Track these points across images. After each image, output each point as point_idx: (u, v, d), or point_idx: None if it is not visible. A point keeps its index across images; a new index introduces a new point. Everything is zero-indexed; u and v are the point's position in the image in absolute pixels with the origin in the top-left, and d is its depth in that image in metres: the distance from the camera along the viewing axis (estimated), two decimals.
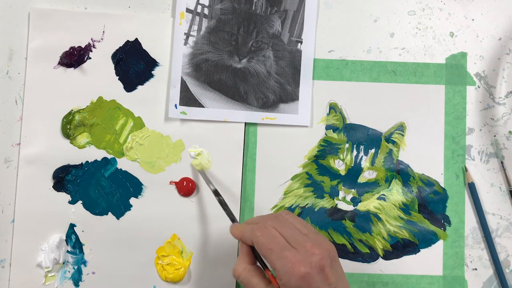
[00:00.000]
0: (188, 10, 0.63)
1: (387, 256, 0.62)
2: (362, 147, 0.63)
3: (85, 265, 0.62)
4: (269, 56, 0.63)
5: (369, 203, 0.63)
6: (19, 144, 0.62)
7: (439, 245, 0.62)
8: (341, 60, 0.64)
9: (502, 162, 0.63)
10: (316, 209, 0.62)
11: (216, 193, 0.58)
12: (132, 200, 0.62)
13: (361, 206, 0.62)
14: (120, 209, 0.62)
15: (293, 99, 0.63)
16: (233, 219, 0.54)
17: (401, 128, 0.63)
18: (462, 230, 0.62)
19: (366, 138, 0.63)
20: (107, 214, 0.62)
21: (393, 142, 0.63)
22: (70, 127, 0.63)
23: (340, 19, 0.65)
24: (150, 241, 0.62)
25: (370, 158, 0.63)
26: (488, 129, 0.64)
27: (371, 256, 0.62)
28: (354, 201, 0.62)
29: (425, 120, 0.64)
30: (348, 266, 0.62)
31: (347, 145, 0.63)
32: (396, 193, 0.63)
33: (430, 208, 0.63)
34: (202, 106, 0.62)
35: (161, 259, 0.61)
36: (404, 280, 0.62)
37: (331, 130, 0.63)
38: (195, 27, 0.63)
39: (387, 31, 0.65)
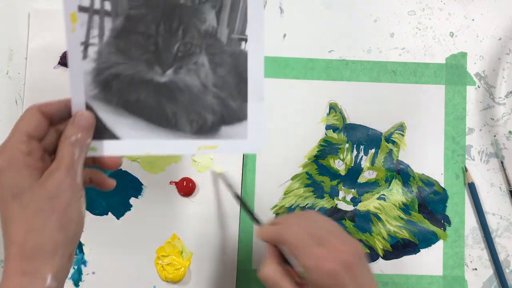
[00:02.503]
0: (81, 9, 0.44)
1: (387, 256, 0.62)
2: (362, 147, 0.63)
3: (85, 265, 0.62)
4: (203, 63, 0.46)
5: (369, 203, 0.63)
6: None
7: (439, 245, 0.62)
8: (341, 60, 0.64)
9: (502, 162, 0.63)
10: (316, 209, 0.62)
11: (237, 196, 0.57)
12: (132, 200, 0.62)
13: (361, 206, 0.62)
14: (120, 209, 0.62)
15: (239, 118, 0.47)
16: (257, 220, 0.53)
17: (401, 128, 0.63)
18: (462, 230, 0.62)
19: (366, 138, 0.63)
20: (107, 214, 0.62)
21: (393, 142, 0.63)
22: None
23: (340, 19, 0.65)
24: (150, 241, 0.62)
25: (370, 158, 0.63)
26: (488, 129, 0.64)
27: (371, 256, 0.62)
28: (354, 201, 0.62)
29: (425, 120, 0.64)
30: None
31: (347, 145, 0.63)
32: (396, 193, 0.63)
33: (430, 208, 0.63)
34: (117, 138, 0.45)
35: (161, 259, 0.61)
36: (404, 280, 0.62)
37: (331, 130, 0.63)
38: (95, 32, 0.44)
39: (387, 31, 0.65)
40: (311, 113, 0.64)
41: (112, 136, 0.45)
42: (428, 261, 0.62)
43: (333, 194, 0.63)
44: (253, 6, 0.46)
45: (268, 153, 0.63)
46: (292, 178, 0.63)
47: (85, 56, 0.45)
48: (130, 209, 0.62)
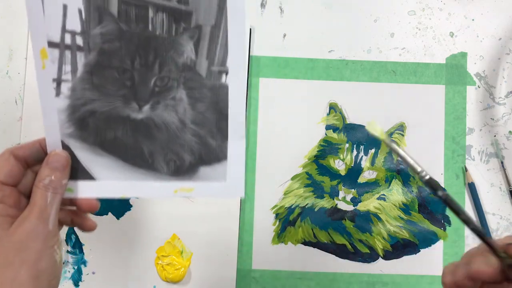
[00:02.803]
0: (51, 44, 0.42)
1: (387, 256, 0.62)
2: (362, 147, 0.63)
3: (85, 265, 0.62)
4: (182, 97, 0.43)
5: (369, 203, 0.63)
6: (19, 144, 0.62)
7: (439, 245, 0.62)
8: (341, 60, 0.64)
9: (502, 162, 0.63)
10: (316, 209, 0.62)
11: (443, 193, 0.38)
12: (132, 200, 0.62)
13: (361, 206, 0.62)
14: (120, 209, 0.62)
15: (219, 158, 0.44)
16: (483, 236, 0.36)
17: (401, 128, 0.63)
18: (462, 230, 0.62)
19: (366, 138, 0.63)
20: (107, 214, 0.62)
21: (393, 142, 0.63)
22: None
23: (340, 19, 0.65)
24: (150, 241, 0.62)
25: (370, 158, 0.63)
26: (488, 129, 0.64)
27: (371, 256, 0.62)
28: (354, 201, 0.62)
29: (425, 120, 0.64)
30: (348, 266, 0.62)
31: (347, 145, 0.63)
32: (396, 193, 0.63)
33: (430, 208, 0.63)
34: (93, 179, 0.44)
35: (161, 259, 0.61)
36: (404, 280, 0.62)
37: (331, 130, 0.63)
38: (68, 67, 0.42)
39: (387, 31, 0.65)
40: (311, 113, 0.64)
41: (88, 176, 0.44)
42: (428, 261, 0.62)
43: (333, 194, 0.62)
44: (234, 36, 0.42)
45: (268, 153, 0.63)
46: (292, 178, 0.63)
47: (58, 93, 0.43)
48: (130, 209, 0.62)
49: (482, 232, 0.36)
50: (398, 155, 0.37)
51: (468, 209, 0.63)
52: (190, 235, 0.62)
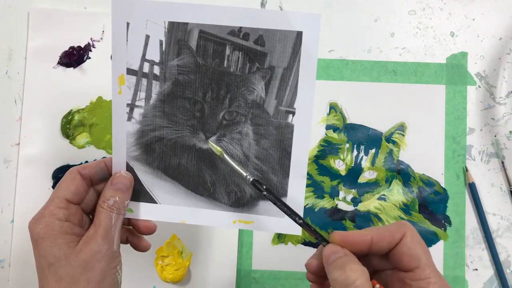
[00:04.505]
0: (130, 71, 0.44)
1: None
2: (362, 147, 0.63)
3: None
4: (248, 132, 0.45)
5: (370, 203, 0.62)
6: (19, 144, 0.62)
7: (439, 246, 0.62)
8: (341, 60, 0.64)
9: (502, 162, 0.63)
10: (316, 209, 0.62)
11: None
12: None
13: (362, 206, 0.62)
14: None
15: (278, 195, 0.45)
16: (321, 237, 0.40)
17: (401, 128, 0.63)
18: (463, 230, 0.62)
19: (367, 138, 0.63)
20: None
21: (394, 142, 0.63)
22: (69, 127, 0.62)
23: (340, 19, 0.65)
24: (150, 241, 0.62)
25: (371, 158, 0.63)
26: (489, 129, 0.64)
27: None
28: (355, 201, 0.62)
29: (426, 120, 0.63)
30: None
31: (347, 145, 0.63)
32: (397, 193, 0.63)
33: (431, 208, 0.63)
34: (155, 202, 0.46)
35: (161, 260, 0.61)
36: None
37: (331, 130, 0.63)
38: (142, 94, 0.44)
39: (388, 31, 0.65)
40: None
41: (150, 199, 0.46)
42: None
43: (333, 194, 0.62)
44: (304, 79, 0.43)
45: None
46: None
47: (130, 117, 0.45)
48: None
49: (306, 222, 0.40)
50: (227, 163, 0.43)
51: (469, 209, 0.62)
52: (190, 235, 0.62)
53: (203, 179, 0.46)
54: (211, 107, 0.44)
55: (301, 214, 0.42)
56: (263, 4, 0.65)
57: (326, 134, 0.63)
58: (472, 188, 0.62)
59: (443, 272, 0.62)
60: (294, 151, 0.45)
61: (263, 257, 0.62)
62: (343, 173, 0.62)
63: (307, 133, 0.44)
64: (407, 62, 0.64)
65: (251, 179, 0.42)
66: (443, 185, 0.63)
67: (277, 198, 0.41)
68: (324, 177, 0.63)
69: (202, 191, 0.46)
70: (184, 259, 0.61)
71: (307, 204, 0.62)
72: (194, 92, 0.44)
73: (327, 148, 0.63)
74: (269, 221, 0.45)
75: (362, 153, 0.63)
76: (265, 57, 0.43)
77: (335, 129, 0.63)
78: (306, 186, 0.62)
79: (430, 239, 0.62)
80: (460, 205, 0.62)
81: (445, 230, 0.62)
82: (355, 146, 0.63)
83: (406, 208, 0.63)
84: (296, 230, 0.45)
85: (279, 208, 0.41)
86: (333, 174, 0.63)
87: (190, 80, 0.44)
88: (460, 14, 0.65)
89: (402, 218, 0.62)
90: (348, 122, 0.63)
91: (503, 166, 0.63)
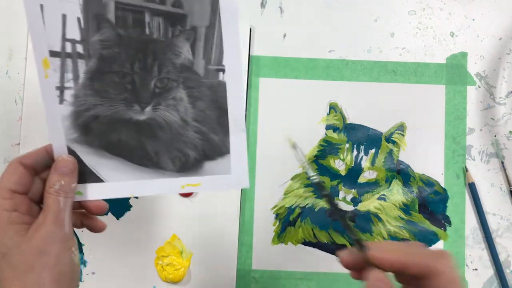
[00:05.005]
0: (53, 53, 0.43)
1: None
2: (362, 147, 0.63)
3: (85, 265, 0.62)
4: (182, 97, 0.45)
5: (370, 203, 0.62)
6: (19, 144, 0.62)
7: (439, 245, 0.62)
8: (341, 60, 0.64)
9: (502, 162, 0.63)
10: (316, 209, 0.62)
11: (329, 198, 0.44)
12: (132, 200, 0.62)
13: (361, 206, 0.62)
14: (120, 209, 0.62)
15: (222, 153, 0.46)
16: (359, 242, 0.40)
17: (401, 128, 0.63)
18: (463, 230, 0.62)
19: (366, 138, 0.63)
20: (107, 214, 0.62)
21: (394, 142, 0.63)
22: None
23: (340, 19, 0.65)
24: (150, 241, 0.62)
25: (370, 158, 0.63)
26: (489, 129, 0.64)
27: None
28: (354, 201, 0.62)
29: (426, 120, 0.63)
30: None
31: (347, 145, 0.63)
32: (397, 193, 0.63)
33: (431, 208, 0.63)
34: (102, 181, 0.45)
35: (161, 259, 0.61)
36: None
37: (331, 130, 0.63)
38: (69, 75, 0.44)
39: (388, 31, 0.65)
40: (311, 113, 0.64)
41: (96, 179, 0.45)
42: None
43: (333, 194, 0.62)
44: (228, 35, 0.44)
45: (268, 153, 0.63)
46: (292, 178, 0.63)
47: (61, 100, 0.44)
48: (130, 209, 0.62)
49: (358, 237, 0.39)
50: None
51: (469, 209, 0.63)
52: (190, 235, 0.62)
53: (146, 151, 0.46)
54: (141, 78, 0.44)
55: (245, 167, 0.45)
56: (263, 5, 0.65)
57: (326, 134, 0.63)
58: (472, 188, 0.62)
59: None
60: (230, 108, 0.45)
61: (263, 257, 0.62)
62: (343, 173, 0.63)
63: (240, 88, 0.45)
64: (407, 62, 0.64)
65: (316, 180, 0.41)
66: (443, 185, 0.63)
67: (333, 203, 0.42)
68: (324, 177, 0.63)
69: (146, 162, 0.46)
70: (184, 259, 0.61)
71: (306, 204, 0.62)
72: (121, 65, 0.44)
73: (327, 148, 0.63)
74: (216, 180, 0.46)
75: (362, 153, 0.63)
76: (186, 18, 0.44)
77: (335, 129, 0.63)
78: (306, 186, 0.63)
79: (430, 239, 0.62)
80: (460, 205, 0.63)
81: (445, 230, 0.62)
82: (355, 146, 0.63)
83: (406, 208, 0.63)
84: (242, 185, 0.46)
85: (340, 220, 0.42)
86: (333, 174, 0.63)
87: (115, 54, 0.43)
88: (460, 14, 0.65)
89: (402, 218, 0.62)
90: (348, 122, 0.63)
91: (503, 166, 0.63)
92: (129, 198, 0.62)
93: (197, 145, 0.46)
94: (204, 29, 0.44)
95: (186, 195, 0.62)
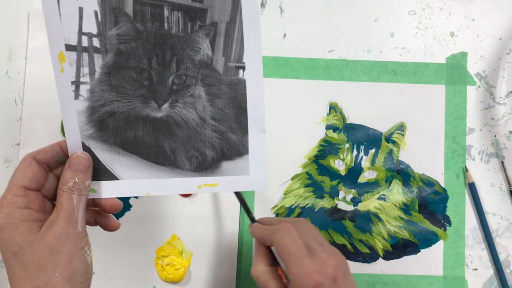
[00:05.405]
0: (69, 47, 0.41)
1: (387, 256, 0.62)
2: (362, 147, 0.63)
3: None
4: (200, 94, 0.43)
5: (369, 203, 0.62)
6: (19, 144, 0.62)
7: (439, 245, 0.62)
8: (341, 60, 0.64)
9: (502, 162, 0.63)
10: (316, 209, 0.62)
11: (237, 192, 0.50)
12: (132, 200, 0.62)
13: (361, 206, 0.62)
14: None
15: (240, 153, 0.45)
16: (252, 218, 0.50)
17: (401, 128, 0.63)
18: (463, 230, 0.62)
19: (366, 138, 0.63)
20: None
21: (393, 142, 0.63)
22: None
23: (340, 19, 0.65)
24: (150, 241, 0.62)
25: (370, 158, 0.63)
26: (489, 129, 0.64)
27: (371, 256, 0.62)
28: (354, 201, 0.62)
29: (426, 120, 0.63)
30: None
31: (347, 145, 0.63)
32: (397, 193, 0.63)
33: (431, 208, 0.63)
34: (116, 178, 0.44)
35: (161, 259, 0.61)
36: (404, 280, 0.62)
37: (331, 130, 0.63)
38: (86, 70, 0.42)
39: (387, 31, 0.65)
40: (311, 113, 0.64)
41: (111, 176, 0.44)
42: (429, 261, 0.62)
43: (333, 194, 0.62)
44: (249, 31, 0.42)
45: (268, 153, 0.63)
46: (292, 178, 0.63)
47: (77, 95, 0.42)
48: (130, 209, 0.62)
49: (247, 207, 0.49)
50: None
51: (469, 209, 0.63)
52: (190, 235, 0.62)
53: (162, 149, 0.44)
54: (158, 74, 0.42)
55: (264, 168, 0.45)
56: (263, 5, 0.65)
57: (326, 134, 0.63)
58: (472, 188, 0.62)
59: (443, 272, 0.62)
60: (249, 107, 0.44)
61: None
62: (343, 173, 0.63)
63: (260, 86, 0.43)
64: (407, 62, 0.64)
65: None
66: (443, 185, 0.63)
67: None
68: (324, 177, 0.63)
69: (162, 160, 0.44)
70: (184, 259, 0.61)
71: (306, 204, 0.62)
72: (138, 60, 0.42)
73: (327, 148, 0.63)
74: (234, 180, 0.45)
75: (362, 153, 0.63)
76: (206, 13, 0.42)
77: (335, 129, 0.63)
78: (306, 186, 0.63)
79: (430, 239, 0.62)
80: (460, 205, 0.63)
81: (445, 230, 0.62)
82: (355, 146, 0.63)
83: (406, 208, 0.63)
84: (260, 187, 0.45)
85: (237, 198, 0.49)
86: (333, 174, 0.63)
87: (132, 48, 0.42)
88: (460, 14, 0.65)
89: (402, 218, 0.62)
90: (348, 122, 0.63)
91: (503, 166, 0.63)
92: (129, 198, 0.62)
93: (214, 144, 0.45)
94: (225, 24, 0.42)
95: (186, 195, 0.62)
